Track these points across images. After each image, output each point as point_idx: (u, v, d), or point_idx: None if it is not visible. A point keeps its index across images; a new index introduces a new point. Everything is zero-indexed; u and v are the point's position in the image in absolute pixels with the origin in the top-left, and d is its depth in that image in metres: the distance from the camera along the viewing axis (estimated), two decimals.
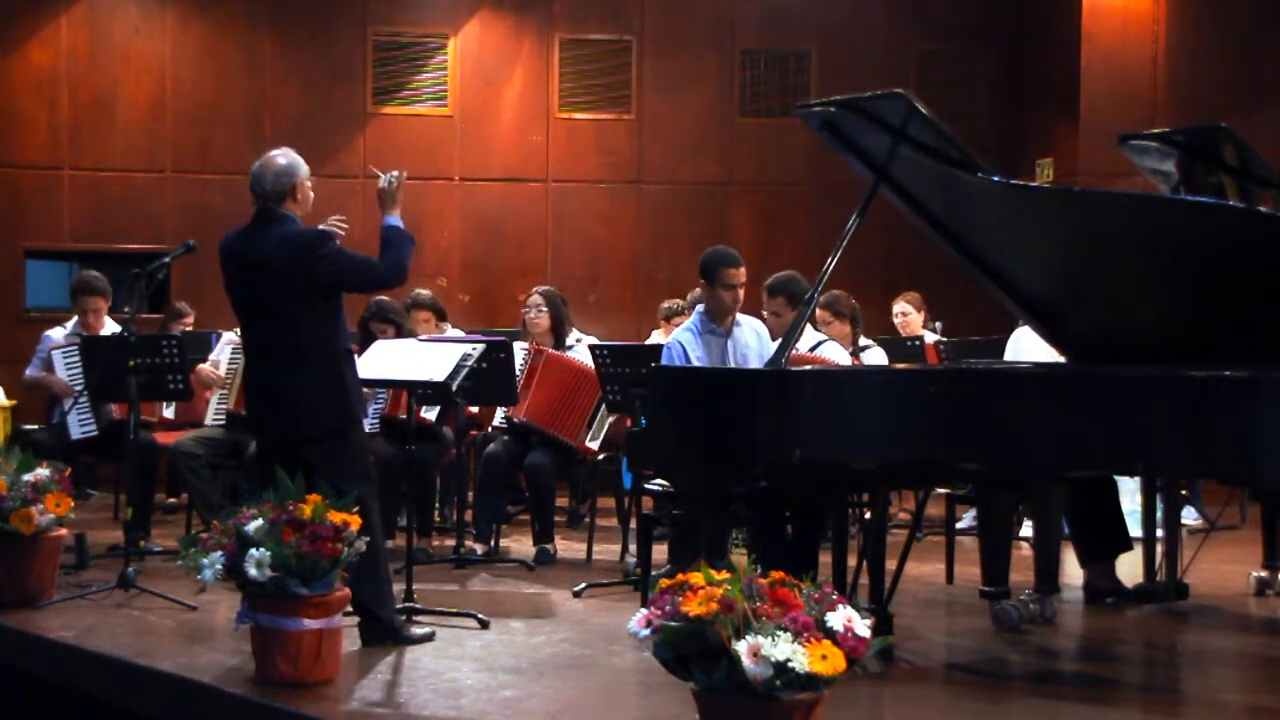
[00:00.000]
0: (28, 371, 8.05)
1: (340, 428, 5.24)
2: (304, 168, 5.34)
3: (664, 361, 6.27)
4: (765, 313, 6.91)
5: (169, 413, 7.83)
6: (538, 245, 11.20)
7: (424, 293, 8.30)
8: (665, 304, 9.12)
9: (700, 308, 6.49)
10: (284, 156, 5.33)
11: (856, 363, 7.77)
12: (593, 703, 4.68)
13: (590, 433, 7.53)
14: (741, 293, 6.33)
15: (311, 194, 5.40)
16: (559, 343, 7.80)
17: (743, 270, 6.30)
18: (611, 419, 7.48)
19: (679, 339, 6.35)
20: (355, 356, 5.48)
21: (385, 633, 5.30)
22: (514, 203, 11.14)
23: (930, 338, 8.68)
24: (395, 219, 5.40)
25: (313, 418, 5.20)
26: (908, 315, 8.82)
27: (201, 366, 7.54)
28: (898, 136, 5.17)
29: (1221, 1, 10.54)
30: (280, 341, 5.23)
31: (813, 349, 7.03)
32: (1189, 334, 5.17)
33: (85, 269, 8.57)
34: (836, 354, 7.15)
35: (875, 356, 7.97)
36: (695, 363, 6.19)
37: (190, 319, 9.24)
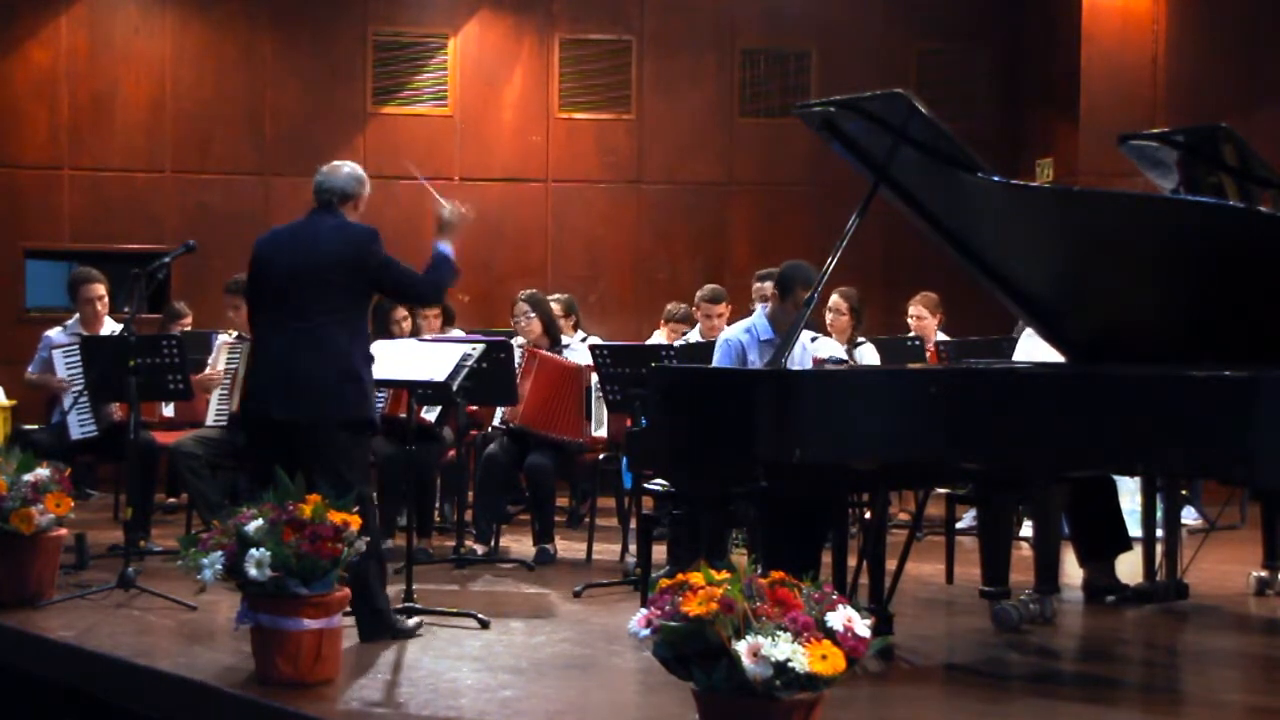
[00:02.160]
0: (30, 370, 8.06)
1: (351, 422, 5.26)
2: (369, 187, 5.54)
3: (719, 357, 6.28)
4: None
5: (169, 411, 7.82)
6: (538, 245, 11.20)
7: None
8: (670, 306, 9.11)
9: (763, 310, 6.44)
10: (357, 168, 5.51)
11: (850, 361, 7.80)
12: (593, 703, 4.68)
13: (591, 423, 7.55)
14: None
15: (363, 212, 5.53)
16: (554, 343, 7.81)
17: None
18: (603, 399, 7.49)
19: (738, 339, 6.29)
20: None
21: (384, 627, 5.33)
22: (514, 203, 11.14)
23: (941, 338, 8.67)
24: (448, 248, 5.56)
25: (327, 405, 5.20)
26: (923, 319, 8.75)
27: (198, 378, 7.51)
28: (898, 136, 5.17)
29: (1221, 1, 10.54)
30: (310, 332, 5.22)
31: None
32: (1189, 334, 5.18)
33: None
34: (832, 347, 7.20)
35: (867, 354, 8.00)
36: (750, 367, 6.17)
37: (188, 320, 9.24)
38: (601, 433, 7.62)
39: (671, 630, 3.60)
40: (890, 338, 8.75)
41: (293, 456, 5.07)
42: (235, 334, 7.69)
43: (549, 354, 7.64)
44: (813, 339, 7.13)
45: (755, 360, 6.21)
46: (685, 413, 5.14)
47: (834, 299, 8.09)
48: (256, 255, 5.45)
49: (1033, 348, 7.53)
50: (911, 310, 8.85)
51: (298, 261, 5.28)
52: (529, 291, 7.99)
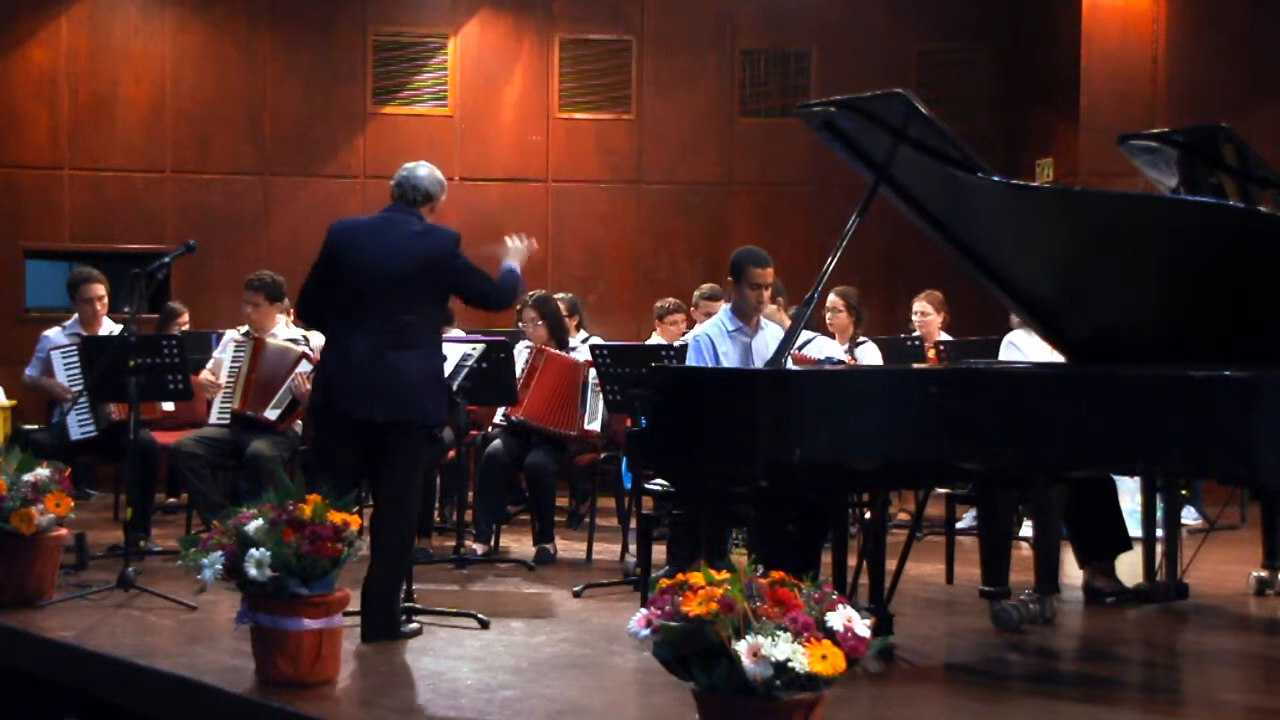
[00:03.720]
0: (28, 371, 8.05)
1: (431, 427, 5.42)
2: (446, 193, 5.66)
3: (691, 355, 6.31)
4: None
5: (169, 406, 7.80)
6: (538, 245, 11.17)
7: None
8: (659, 303, 9.11)
9: (728, 306, 6.50)
10: (438, 172, 5.59)
11: (851, 360, 7.80)
12: (593, 703, 4.67)
13: (586, 417, 7.56)
14: (767, 294, 6.35)
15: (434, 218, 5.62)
16: (560, 346, 7.83)
17: (770, 271, 6.30)
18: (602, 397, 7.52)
19: (707, 334, 6.34)
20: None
21: (392, 630, 5.35)
22: (514, 203, 11.14)
23: (943, 337, 8.66)
24: (516, 266, 5.75)
25: (413, 407, 5.31)
26: (927, 316, 8.75)
27: (200, 377, 7.51)
28: (898, 136, 5.16)
29: (1221, 1, 10.55)
30: (395, 329, 5.29)
31: (801, 346, 7.04)
32: (1189, 334, 5.17)
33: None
34: (828, 346, 7.21)
35: (869, 353, 8.00)
36: (723, 360, 6.20)
37: (185, 318, 9.23)
38: (595, 426, 7.63)
39: (671, 630, 3.60)
40: (891, 337, 8.74)
41: (367, 454, 5.28)
42: (244, 331, 7.69)
43: (557, 352, 7.68)
44: (808, 340, 7.14)
45: (728, 351, 6.25)
46: (685, 413, 5.13)
47: (831, 298, 8.10)
48: (336, 249, 5.45)
49: (1013, 356, 7.52)
50: (916, 306, 8.83)
51: (384, 261, 5.33)
52: (536, 294, 7.99)
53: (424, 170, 5.54)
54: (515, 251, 5.83)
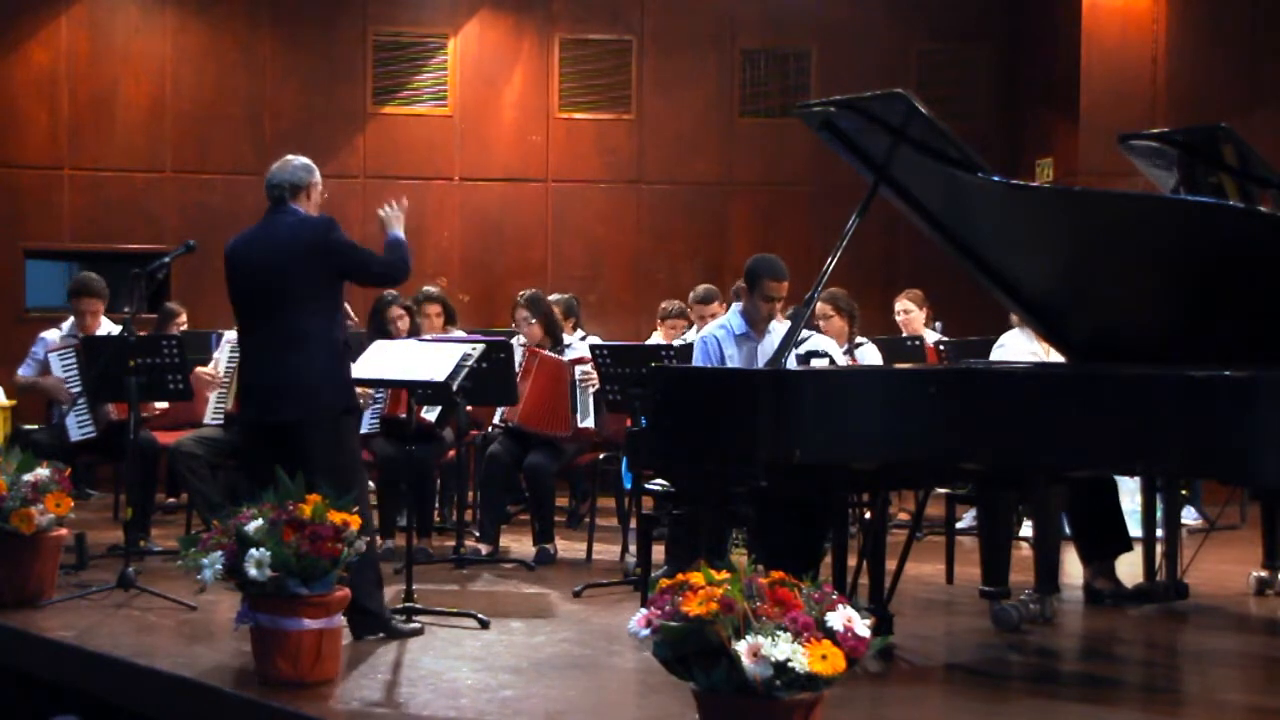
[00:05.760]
0: (20, 371, 7.97)
1: (339, 412, 5.34)
2: (319, 175, 5.57)
3: (697, 356, 6.31)
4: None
5: (161, 405, 7.77)
6: (538, 245, 11.20)
7: (434, 289, 8.36)
8: (664, 304, 9.13)
9: (737, 307, 6.49)
10: (304, 158, 5.56)
11: (852, 361, 7.80)
12: (593, 703, 4.68)
13: (578, 415, 7.56)
14: (779, 305, 6.34)
15: (320, 200, 5.57)
16: (555, 343, 7.82)
17: (785, 284, 6.29)
18: (593, 389, 7.51)
19: (714, 335, 6.34)
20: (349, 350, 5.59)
21: (376, 625, 5.34)
22: (514, 203, 11.14)
23: (931, 337, 8.69)
24: (399, 233, 5.66)
25: (313, 400, 5.27)
26: (910, 313, 8.81)
27: (199, 370, 7.52)
28: (898, 136, 5.17)
29: (1221, 1, 10.55)
30: (283, 330, 5.28)
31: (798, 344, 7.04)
32: (1189, 334, 5.18)
33: (84, 269, 8.57)
34: (825, 344, 7.21)
35: (869, 353, 7.98)
36: (729, 364, 6.20)
37: (183, 318, 9.22)
38: (589, 423, 7.63)
39: (671, 630, 3.60)
40: (890, 337, 8.75)
41: (288, 456, 5.11)
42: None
43: (549, 354, 7.66)
44: (804, 338, 7.13)
45: (733, 354, 6.25)
46: (685, 413, 5.14)
47: (819, 306, 7.83)
48: (227, 262, 5.51)
49: (1001, 358, 7.51)
50: (898, 306, 8.88)
51: (264, 264, 5.35)
52: (527, 294, 7.96)
53: (295, 161, 5.53)
54: (392, 219, 5.73)
